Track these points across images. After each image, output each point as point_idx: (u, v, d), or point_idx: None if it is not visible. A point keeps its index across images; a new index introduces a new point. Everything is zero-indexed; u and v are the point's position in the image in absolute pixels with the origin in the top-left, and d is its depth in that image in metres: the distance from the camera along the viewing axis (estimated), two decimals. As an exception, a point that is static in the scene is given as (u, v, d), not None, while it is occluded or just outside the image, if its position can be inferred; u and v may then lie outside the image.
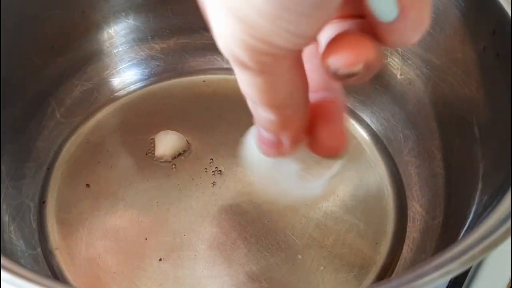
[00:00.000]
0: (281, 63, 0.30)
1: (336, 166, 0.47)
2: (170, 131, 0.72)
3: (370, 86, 0.74)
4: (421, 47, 0.65)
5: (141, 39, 0.77)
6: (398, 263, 0.62)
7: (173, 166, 0.69)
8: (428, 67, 0.65)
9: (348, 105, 0.76)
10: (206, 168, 0.69)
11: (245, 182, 0.67)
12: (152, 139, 0.71)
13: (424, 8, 0.30)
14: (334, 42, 0.31)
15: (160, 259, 0.61)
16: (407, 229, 0.65)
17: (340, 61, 0.30)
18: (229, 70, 0.78)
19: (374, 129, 0.74)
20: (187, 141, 0.71)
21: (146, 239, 0.63)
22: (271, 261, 0.61)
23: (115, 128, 0.73)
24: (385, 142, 0.73)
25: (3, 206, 0.60)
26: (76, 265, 0.61)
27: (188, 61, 0.80)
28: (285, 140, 0.38)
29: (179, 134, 0.71)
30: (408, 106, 0.70)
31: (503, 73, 0.53)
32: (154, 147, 0.71)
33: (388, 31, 0.31)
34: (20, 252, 0.59)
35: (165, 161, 0.70)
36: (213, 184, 0.68)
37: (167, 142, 0.71)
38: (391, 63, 0.70)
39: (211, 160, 0.70)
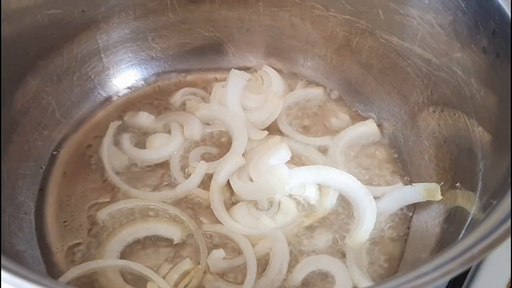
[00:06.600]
0: None
1: None
2: (160, 133, 0.72)
3: (370, 85, 0.74)
4: (421, 47, 0.65)
5: (141, 39, 0.77)
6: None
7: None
8: (428, 67, 0.65)
9: (348, 104, 0.76)
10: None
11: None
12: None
13: None
14: None
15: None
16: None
17: None
18: (229, 70, 0.79)
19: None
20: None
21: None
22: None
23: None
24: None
25: (3, 206, 0.60)
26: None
27: (188, 61, 0.80)
28: None
29: (168, 134, 0.71)
30: (408, 106, 0.70)
31: (503, 73, 0.53)
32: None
33: None
34: (20, 252, 0.59)
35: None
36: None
37: (159, 143, 0.71)
38: (391, 63, 0.70)
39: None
